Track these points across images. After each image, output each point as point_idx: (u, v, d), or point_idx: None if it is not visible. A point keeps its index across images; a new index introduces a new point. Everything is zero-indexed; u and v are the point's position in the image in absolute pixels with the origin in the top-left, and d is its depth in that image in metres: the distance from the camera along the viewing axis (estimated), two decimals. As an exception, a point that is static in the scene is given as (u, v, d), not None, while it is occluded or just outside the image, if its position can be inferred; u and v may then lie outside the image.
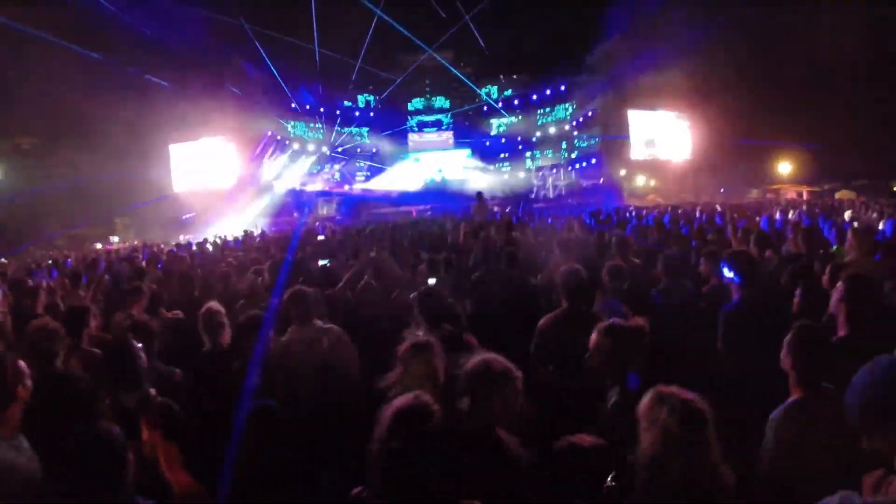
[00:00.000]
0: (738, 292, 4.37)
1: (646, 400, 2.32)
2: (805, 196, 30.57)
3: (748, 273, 4.37)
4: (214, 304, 4.63)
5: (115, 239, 31.80)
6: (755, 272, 4.47)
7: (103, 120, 29.25)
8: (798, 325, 2.97)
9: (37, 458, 2.88)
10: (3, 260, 22.54)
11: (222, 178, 35.60)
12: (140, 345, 3.89)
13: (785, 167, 37.76)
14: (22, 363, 3.00)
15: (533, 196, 34.98)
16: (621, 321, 3.35)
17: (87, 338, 4.44)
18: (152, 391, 3.49)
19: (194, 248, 14.37)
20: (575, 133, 41.27)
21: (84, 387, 3.33)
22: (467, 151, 45.54)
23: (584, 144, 40.73)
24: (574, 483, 2.38)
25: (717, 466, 2.26)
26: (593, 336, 3.31)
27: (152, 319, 4.73)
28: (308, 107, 41.44)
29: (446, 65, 42.47)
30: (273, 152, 38.32)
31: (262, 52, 34.17)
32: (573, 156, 41.78)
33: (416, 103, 46.51)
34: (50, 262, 15.46)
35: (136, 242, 26.60)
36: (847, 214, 13.10)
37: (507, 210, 21.44)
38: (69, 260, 16.02)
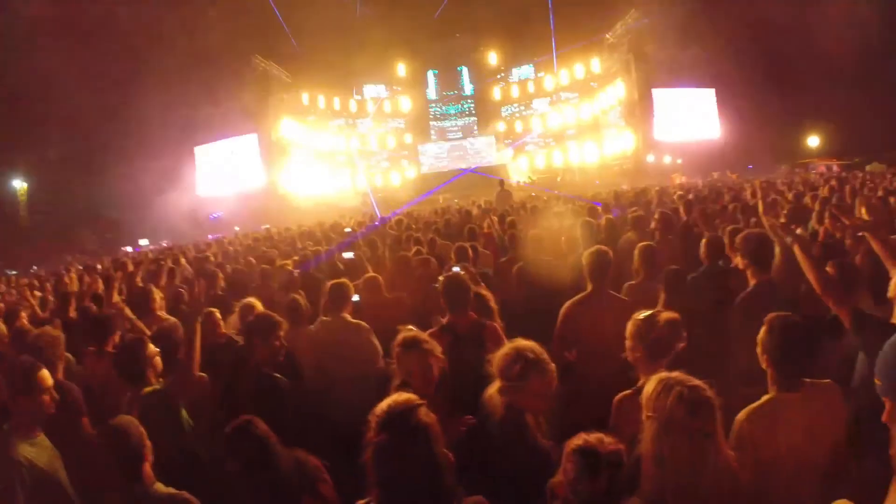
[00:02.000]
0: (754, 278, 4.17)
1: (651, 386, 2.24)
2: (835, 169, 29.80)
3: (761, 257, 4.17)
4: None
5: (145, 241, 32.28)
6: (769, 255, 4.25)
7: (127, 124, 29.76)
8: (772, 317, 2.78)
9: (58, 456, 3.19)
10: (34, 268, 23.09)
11: (247, 178, 36.08)
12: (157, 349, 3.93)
13: (814, 140, 36.97)
14: (45, 371, 3.21)
15: (559, 180, 34.56)
16: (656, 312, 3.19)
17: (111, 343, 4.65)
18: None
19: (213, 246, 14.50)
20: (601, 113, 40.60)
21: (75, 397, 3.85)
22: (490, 137, 45.25)
23: (611, 125, 40.05)
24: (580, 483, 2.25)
25: (725, 458, 2.18)
26: (629, 327, 3.19)
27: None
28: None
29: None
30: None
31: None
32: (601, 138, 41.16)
33: (436, 91, 46.29)
34: (81, 267, 15.66)
35: (164, 244, 26.96)
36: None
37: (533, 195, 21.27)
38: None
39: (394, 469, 2.03)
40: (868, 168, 27.21)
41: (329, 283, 4.90)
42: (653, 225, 7.12)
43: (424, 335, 3.26)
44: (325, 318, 4.74)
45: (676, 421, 2.09)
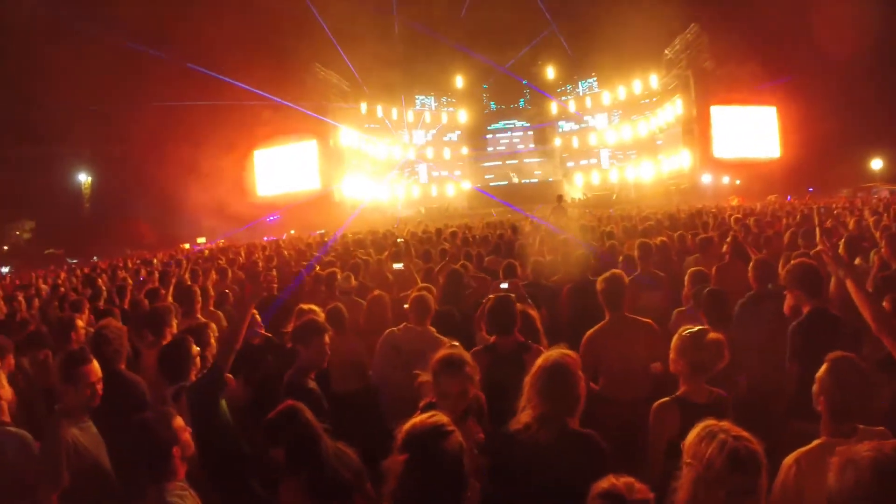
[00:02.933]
0: (807, 305, 4.03)
1: (694, 432, 2.07)
2: (900, 194, 28.72)
3: (812, 284, 4.07)
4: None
5: (202, 240, 33.18)
6: (820, 283, 4.14)
7: (190, 125, 30.76)
8: (833, 357, 2.60)
9: (101, 441, 3.39)
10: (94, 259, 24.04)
11: (305, 182, 36.99)
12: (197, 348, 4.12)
13: (877, 164, 35.70)
14: (94, 365, 3.43)
15: (615, 198, 34.18)
16: (703, 330, 3.23)
17: (169, 335, 4.84)
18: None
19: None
20: (658, 131, 40.08)
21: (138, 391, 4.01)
22: (546, 152, 45.23)
23: (668, 143, 39.47)
24: None
25: None
26: (674, 340, 3.22)
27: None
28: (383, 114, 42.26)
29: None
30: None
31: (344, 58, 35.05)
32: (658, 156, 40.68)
33: (493, 105, 46.51)
34: (139, 261, 16.31)
35: (221, 243, 27.71)
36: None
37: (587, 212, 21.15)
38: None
39: (414, 489, 2.01)
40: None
41: (413, 295, 4.91)
42: (724, 248, 6.99)
43: (468, 356, 3.12)
44: (410, 326, 4.74)
45: (716, 473, 1.93)
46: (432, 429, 2.09)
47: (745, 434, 2.00)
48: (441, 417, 2.18)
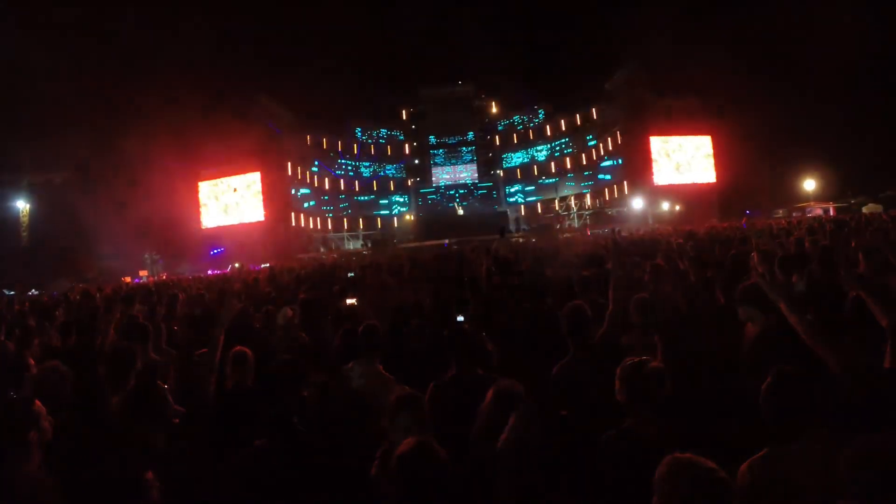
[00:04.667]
0: (758, 325, 4.22)
1: (662, 469, 2.04)
2: (832, 212, 30.11)
3: (761, 302, 4.14)
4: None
5: (144, 273, 32.31)
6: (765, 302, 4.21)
7: (133, 156, 30.11)
8: (776, 370, 2.68)
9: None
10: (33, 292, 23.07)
11: (250, 213, 36.50)
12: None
13: (810, 184, 37.31)
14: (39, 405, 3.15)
15: (558, 227, 34.79)
16: (643, 361, 3.29)
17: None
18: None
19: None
20: (596, 160, 41.20)
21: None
22: (489, 184, 45.99)
23: (607, 174, 40.57)
24: None
25: None
26: (618, 371, 3.25)
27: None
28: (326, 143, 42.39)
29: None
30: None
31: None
32: (596, 183, 41.78)
33: (437, 136, 47.04)
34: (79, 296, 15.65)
35: (163, 277, 27.00)
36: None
37: (533, 241, 21.38)
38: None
39: None
40: (864, 210, 27.41)
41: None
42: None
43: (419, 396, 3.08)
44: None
45: None
46: (418, 452, 2.11)
47: (709, 463, 1.98)
48: (424, 440, 2.21)
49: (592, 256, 8.26)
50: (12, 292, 24.70)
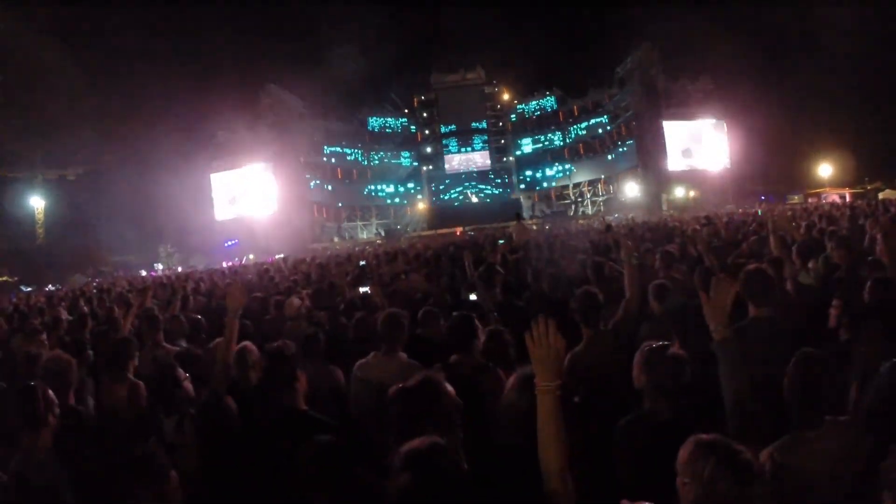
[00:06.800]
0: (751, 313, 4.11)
1: (686, 450, 2.02)
2: (848, 199, 29.68)
3: (757, 291, 4.06)
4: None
5: (159, 266, 32.51)
6: (765, 290, 4.12)
7: (144, 150, 30.24)
8: (800, 353, 2.65)
9: (65, 480, 3.00)
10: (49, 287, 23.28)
11: (263, 204, 36.61)
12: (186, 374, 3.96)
13: (826, 170, 36.86)
14: (51, 393, 3.10)
15: (572, 213, 34.62)
16: (663, 346, 3.21)
17: (132, 368, 4.57)
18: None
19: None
20: (610, 146, 40.85)
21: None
22: (502, 171, 45.83)
23: (621, 158, 40.20)
24: None
25: None
26: (637, 356, 3.20)
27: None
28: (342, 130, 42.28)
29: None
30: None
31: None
32: (609, 169, 41.43)
33: (449, 124, 46.78)
34: (95, 290, 15.71)
35: (178, 269, 27.15)
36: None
37: (547, 227, 21.30)
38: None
39: None
40: (881, 196, 27.02)
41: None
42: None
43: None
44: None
45: (718, 488, 1.90)
46: (429, 449, 1.97)
47: (735, 444, 1.98)
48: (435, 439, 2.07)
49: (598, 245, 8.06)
50: (30, 288, 24.98)
